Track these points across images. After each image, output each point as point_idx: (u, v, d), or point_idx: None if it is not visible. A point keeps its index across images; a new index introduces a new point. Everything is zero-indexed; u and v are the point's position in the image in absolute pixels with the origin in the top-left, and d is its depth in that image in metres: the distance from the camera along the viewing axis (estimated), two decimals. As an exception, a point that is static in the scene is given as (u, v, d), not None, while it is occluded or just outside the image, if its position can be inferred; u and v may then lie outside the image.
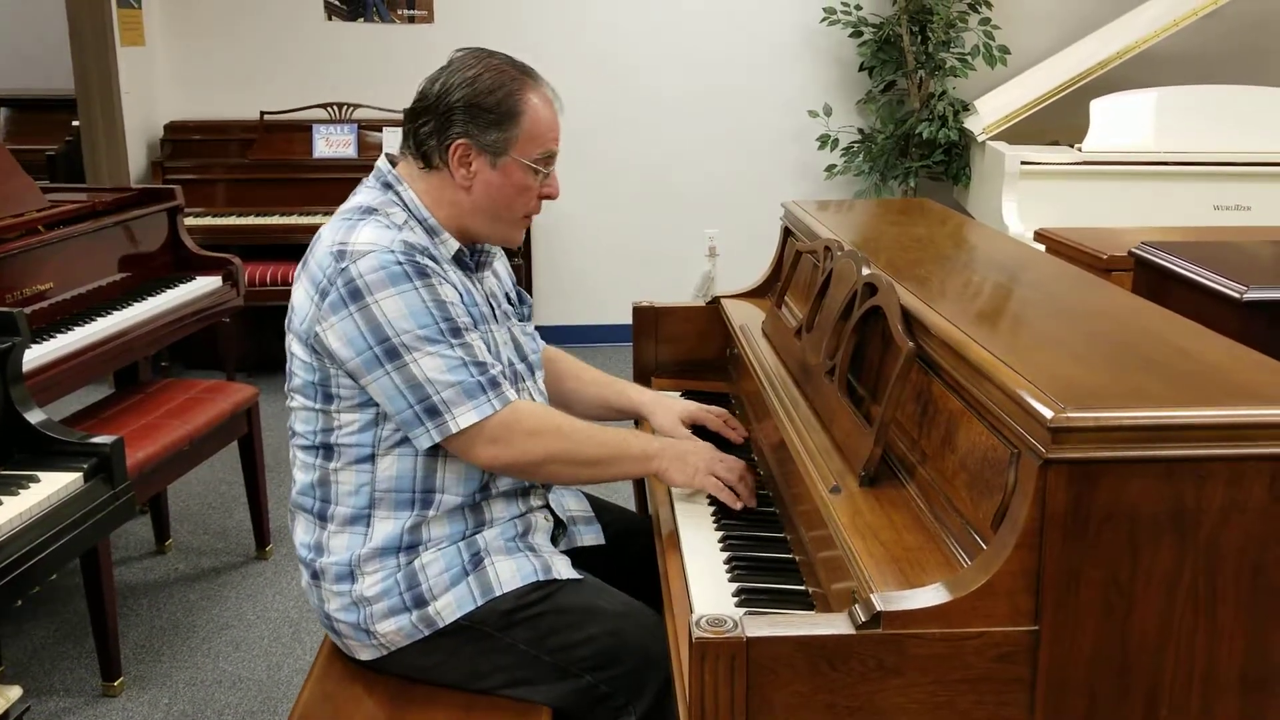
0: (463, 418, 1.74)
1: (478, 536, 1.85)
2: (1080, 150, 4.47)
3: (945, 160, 5.11)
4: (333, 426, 1.82)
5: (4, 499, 2.12)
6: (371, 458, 1.81)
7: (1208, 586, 1.24)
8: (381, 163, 1.92)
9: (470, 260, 1.92)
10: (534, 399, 1.99)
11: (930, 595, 1.25)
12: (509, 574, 1.82)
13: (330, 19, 5.41)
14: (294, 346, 1.84)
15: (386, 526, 1.82)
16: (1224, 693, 1.27)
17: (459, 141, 1.82)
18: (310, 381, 1.82)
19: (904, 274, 1.84)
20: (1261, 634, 1.26)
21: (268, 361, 5.34)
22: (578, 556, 1.97)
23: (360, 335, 1.73)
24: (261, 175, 5.13)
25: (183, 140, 5.24)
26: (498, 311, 1.96)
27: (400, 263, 1.74)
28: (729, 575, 1.72)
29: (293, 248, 4.96)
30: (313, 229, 4.91)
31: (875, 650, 1.24)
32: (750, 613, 1.53)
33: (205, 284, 3.64)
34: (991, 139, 4.71)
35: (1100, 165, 4.38)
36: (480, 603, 1.80)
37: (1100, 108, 4.51)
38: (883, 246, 2.11)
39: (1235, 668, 1.27)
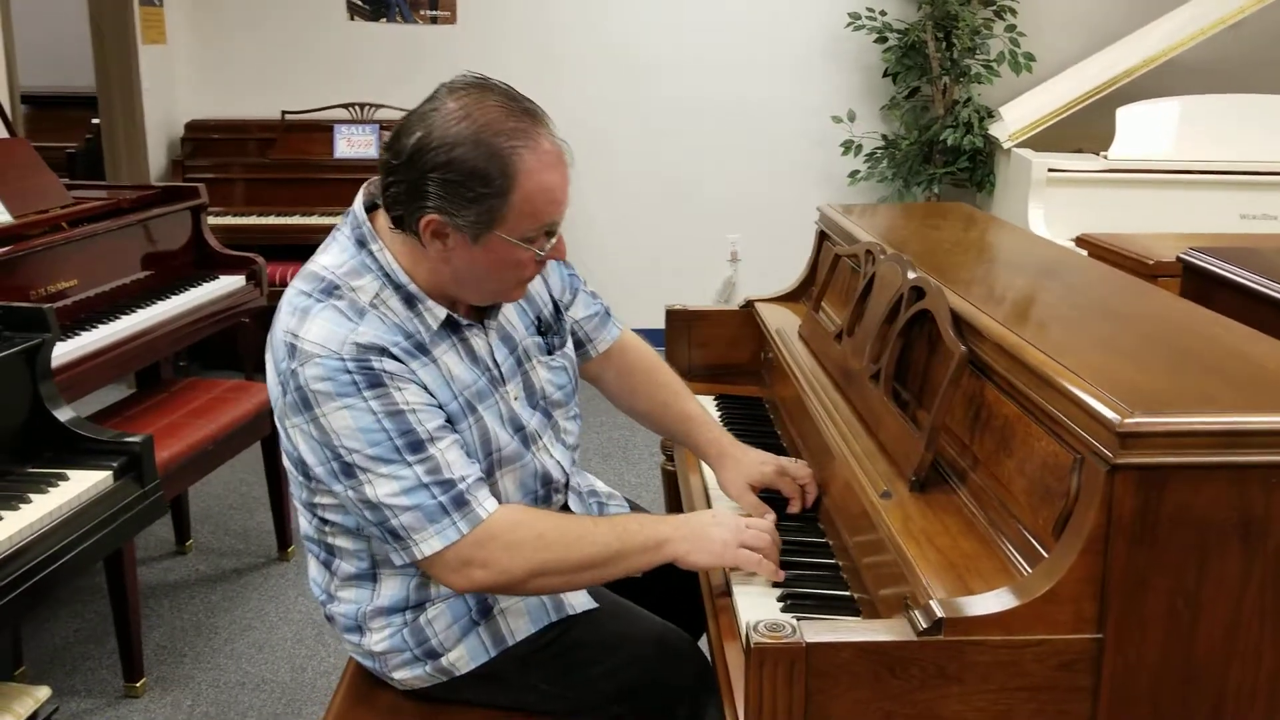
0: (425, 545, 1.55)
1: None
2: (1106, 158, 4.45)
3: (969, 167, 5.08)
4: (316, 501, 1.68)
5: (33, 497, 2.11)
6: (363, 533, 1.68)
7: (1275, 596, 1.22)
8: (357, 207, 1.66)
9: (465, 321, 1.68)
10: (550, 450, 1.80)
11: (992, 601, 1.23)
12: (520, 622, 1.72)
13: (352, 19, 5.41)
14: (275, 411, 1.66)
15: (393, 585, 1.71)
16: (1290, 706, 1.25)
17: (430, 217, 1.54)
18: (292, 453, 1.65)
19: (948, 277, 1.82)
20: (1329, 645, 1.23)
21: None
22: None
23: (318, 446, 1.56)
24: (282, 175, 5.12)
25: (203, 139, 5.24)
26: (504, 368, 1.73)
27: (350, 371, 1.53)
28: (772, 581, 1.70)
29: (314, 248, 4.93)
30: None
31: (936, 657, 1.21)
32: (800, 619, 1.51)
33: (228, 283, 3.64)
34: (1017, 146, 4.69)
35: (1127, 173, 4.35)
36: (494, 654, 1.71)
37: (1127, 115, 4.49)
38: (924, 250, 2.08)
39: (1302, 680, 1.24)
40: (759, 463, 1.91)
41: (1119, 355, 1.43)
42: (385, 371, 1.55)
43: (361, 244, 1.63)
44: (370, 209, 1.67)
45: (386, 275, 1.62)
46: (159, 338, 3.24)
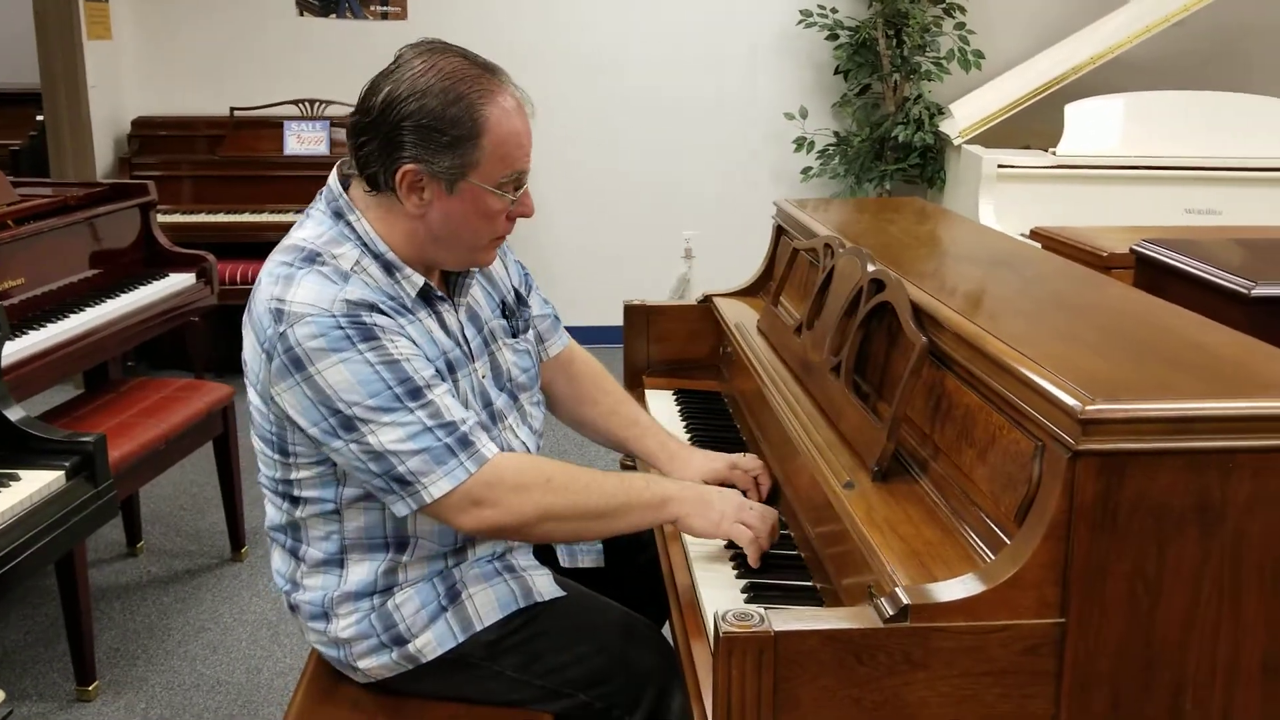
0: (435, 486, 1.57)
1: (454, 569, 1.75)
2: (1055, 154, 4.51)
3: (920, 163, 5.13)
4: (292, 479, 1.69)
5: (-16, 497, 2.08)
6: (336, 512, 1.69)
7: (1232, 578, 1.24)
8: (333, 182, 1.71)
9: (440, 291, 1.74)
10: (516, 431, 1.83)
11: (957, 588, 1.24)
12: (488, 606, 1.73)
13: (302, 14, 5.36)
14: (250, 391, 1.69)
15: (361, 570, 1.71)
16: (1246, 684, 1.27)
17: (407, 167, 1.59)
18: (268, 431, 1.68)
19: (906, 270, 1.83)
20: (1284, 625, 1.26)
21: (236, 363, 5.21)
22: (572, 570, 1.91)
23: (312, 406, 1.57)
24: (231, 172, 5.06)
25: (150, 136, 5.16)
26: (472, 346, 1.77)
27: (341, 326, 1.55)
28: (736, 572, 1.71)
29: (264, 246, 4.88)
30: (284, 227, 4.87)
31: (902, 644, 1.22)
32: (768, 608, 1.52)
33: (178, 281, 3.60)
34: (967, 142, 4.74)
35: (1075, 169, 4.42)
36: (462, 639, 1.72)
37: (1074, 112, 4.55)
38: (881, 244, 2.10)
39: (1257, 659, 1.27)
40: (709, 459, 1.96)
41: (1077, 344, 1.45)
42: (377, 325, 1.58)
43: (339, 215, 1.67)
44: (345, 187, 1.70)
45: (365, 244, 1.65)
46: (108, 336, 3.20)
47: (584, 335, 5.94)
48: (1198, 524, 1.22)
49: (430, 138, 1.57)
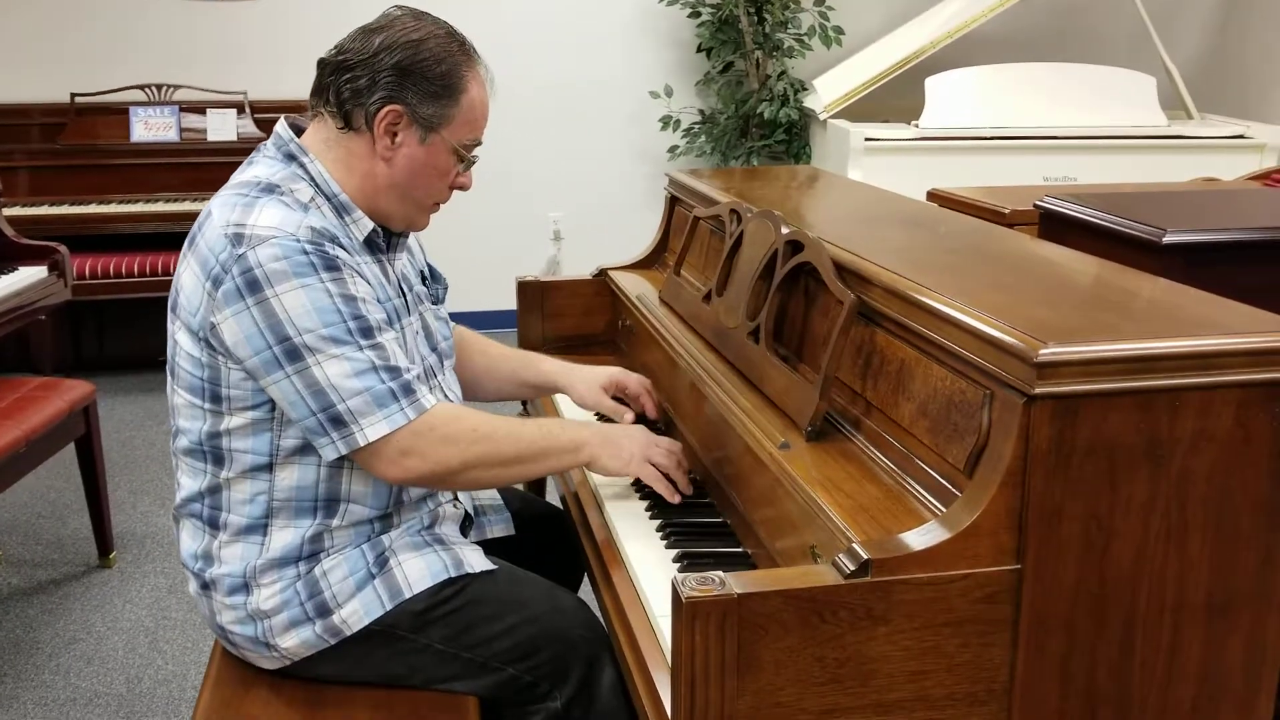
0: (371, 429, 1.56)
1: (383, 536, 1.71)
2: (918, 126, 4.59)
3: (786, 140, 5.17)
4: (221, 430, 1.63)
5: None
6: (269, 466, 1.64)
7: (1178, 515, 1.26)
8: (282, 129, 1.72)
9: (383, 241, 1.75)
10: (445, 393, 1.85)
11: (915, 539, 1.23)
12: (418, 574, 1.69)
13: (144, -6, 5.09)
14: (179, 336, 1.64)
15: (285, 536, 1.66)
16: (1192, 618, 1.29)
17: (392, 107, 1.64)
18: (198, 378, 1.62)
19: (820, 232, 1.82)
20: (1226, 559, 1.29)
21: (86, 362, 5.01)
22: (487, 545, 1.87)
23: (259, 332, 1.54)
24: (74, 161, 4.78)
25: (-19, 125, 4.85)
26: (409, 298, 1.79)
27: (306, 252, 1.55)
28: (665, 543, 1.69)
29: (114, 238, 4.67)
30: (134, 218, 4.69)
31: (864, 599, 1.21)
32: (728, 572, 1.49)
33: (30, 275, 3.40)
34: (832, 117, 4.79)
35: (938, 140, 4.51)
36: (389, 607, 1.67)
37: (935, 85, 4.64)
38: (788, 208, 2.09)
39: (1202, 593, 1.29)
40: (599, 370, 2.08)
41: (1011, 293, 1.45)
42: (338, 258, 1.59)
43: (291, 158, 1.69)
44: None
45: (318, 185, 1.67)
46: (-45, 336, 2.98)
47: (455, 320, 5.77)
48: (1147, 463, 1.23)
49: (419, 84, 1.65)
